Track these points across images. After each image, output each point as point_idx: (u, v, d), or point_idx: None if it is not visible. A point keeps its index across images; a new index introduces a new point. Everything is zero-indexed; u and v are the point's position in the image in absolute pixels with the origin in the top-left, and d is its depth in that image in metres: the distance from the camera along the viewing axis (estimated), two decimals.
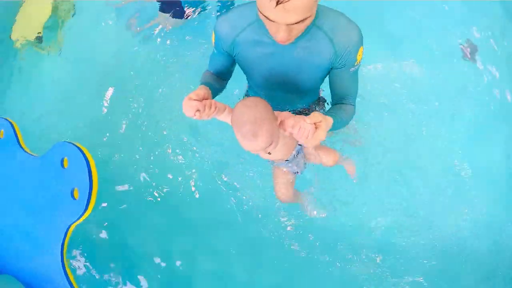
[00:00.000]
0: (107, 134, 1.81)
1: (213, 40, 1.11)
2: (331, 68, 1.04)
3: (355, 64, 1.02)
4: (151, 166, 1.75)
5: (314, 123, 0.89)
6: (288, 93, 1.18)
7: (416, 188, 1.69)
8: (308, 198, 1.59)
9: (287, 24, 0.80)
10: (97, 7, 2.07)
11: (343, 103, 1.12)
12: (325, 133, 0.92)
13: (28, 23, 2.00)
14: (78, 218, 1.14)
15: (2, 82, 1.96)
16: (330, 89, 1.14)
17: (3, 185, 1.33)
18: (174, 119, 1.80)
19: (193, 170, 1.73)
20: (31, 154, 1.29)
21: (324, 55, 0.99)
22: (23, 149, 1.31)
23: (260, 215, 1.65)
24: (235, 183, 1.70)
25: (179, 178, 1.72)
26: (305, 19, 0.80)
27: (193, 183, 1.72)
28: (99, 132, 1.80)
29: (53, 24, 2.01)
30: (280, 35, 0.83)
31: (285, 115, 0.95)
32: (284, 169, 1.36)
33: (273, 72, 1.07)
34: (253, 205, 1.66)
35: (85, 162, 1.11)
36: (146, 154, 1.77)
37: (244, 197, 1.68)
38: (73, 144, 1.15)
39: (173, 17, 1.97)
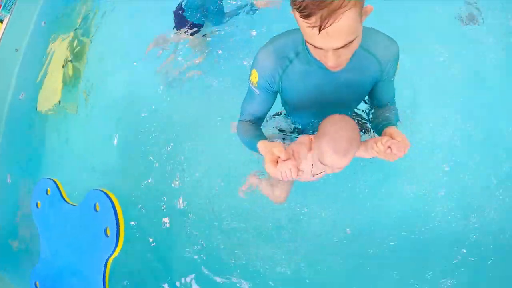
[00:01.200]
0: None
1: (254, 80, 1.01)
2: (377, 82, 1.07)
3: (395, 73, 1.07)
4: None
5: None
6: (335, 109, 1.18)
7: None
8: None
9: (334, 49, 0.79)
10: (113, 61, 2.24)
11: (388, 106, 1.17)
12: None
13: (49, 94, 2.33)
14: (113, 252, 1.36)
15: (42, 146, 2.27)
16: (373, 98, 1.15)
17: (54, 233, 1.61)
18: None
19: None
20: (72, 204, 1.56)
21: (371, 72, 1.01)
22: (66, 201, 1.59)
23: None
24: None
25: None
26: (351, 42, 0.78)
27: None
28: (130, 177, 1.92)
29: (71, 88, 2.29)
30: (330, 60, 0.82)
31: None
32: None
33: (323, 97, 1.05)
34: None
35: (111, 205, 1.35)
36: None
37: None
38: (101, 191, 1.40)
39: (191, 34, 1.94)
